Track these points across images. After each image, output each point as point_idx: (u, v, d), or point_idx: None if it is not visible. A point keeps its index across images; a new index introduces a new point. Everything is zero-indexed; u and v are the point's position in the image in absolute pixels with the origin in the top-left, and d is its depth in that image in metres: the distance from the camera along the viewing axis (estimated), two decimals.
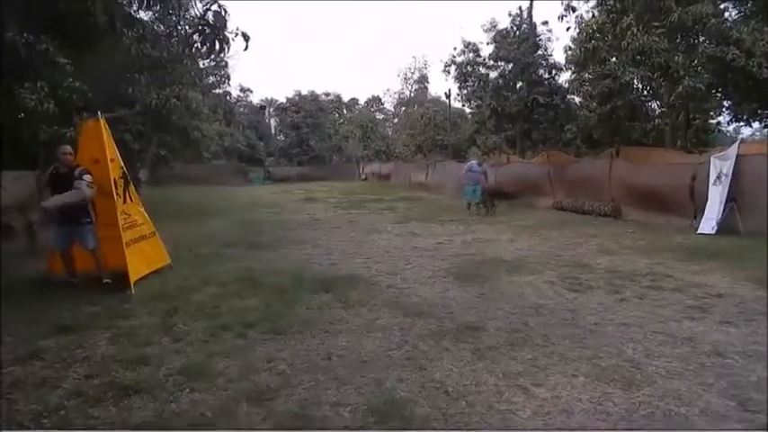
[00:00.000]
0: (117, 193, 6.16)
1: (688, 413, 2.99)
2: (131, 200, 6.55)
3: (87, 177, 5.82)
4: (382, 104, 58.28)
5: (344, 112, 58.42)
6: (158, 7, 11.67)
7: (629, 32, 14.59)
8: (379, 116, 57.22)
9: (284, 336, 4.33)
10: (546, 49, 25.98)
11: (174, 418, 2.98)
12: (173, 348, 4.07)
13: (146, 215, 6.77)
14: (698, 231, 9.92)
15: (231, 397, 3.22)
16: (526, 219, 12.94)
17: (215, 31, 4.63)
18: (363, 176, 38.50)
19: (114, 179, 6.18)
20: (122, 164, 6.53)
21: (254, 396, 3.22)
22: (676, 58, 14.40)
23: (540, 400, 3.17)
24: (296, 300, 5.41)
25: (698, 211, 10.52)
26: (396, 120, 52.23)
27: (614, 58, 17.94)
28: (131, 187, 6.66)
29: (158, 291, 5.78)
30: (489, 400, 3.17)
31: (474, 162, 15.08)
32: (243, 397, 3.21)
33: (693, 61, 14.94)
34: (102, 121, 6.26)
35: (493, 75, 26.18)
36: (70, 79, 8.09)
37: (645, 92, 20.89)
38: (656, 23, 14.35)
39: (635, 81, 19.56)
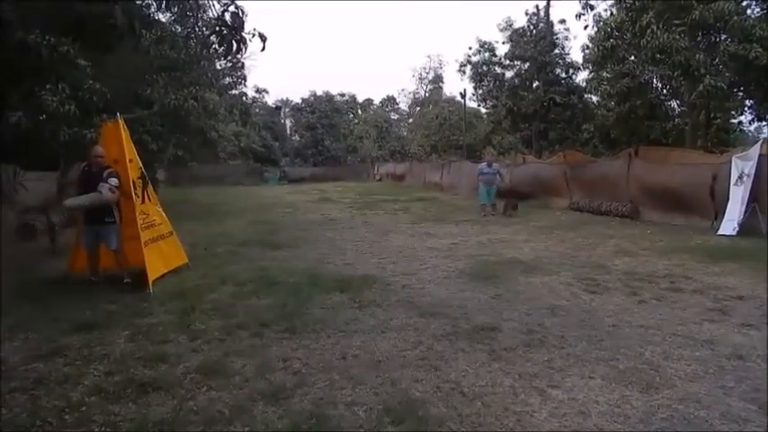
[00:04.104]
0: (135, 194, 6.26)
1: (708, 417, 2.94)
2: (150, 200, 6.64)
3: (113, 181, 5.93)
4: (397, 104, 58.33)
5: (359, 112, 58.59)
6: (176, 9, 11.85)
7: (648, 30, 14.37)
8: (394, 116, 57.27)
9: (299, 335, 4.35)
10: (563, 48, 25.80)
11: (192, 415, 3.02)
12: (190, 347, 4.12)
13: (163, 215, 6.86)
14: (718, 233, 9.74)
15: (247, 395, 3.25)
16: (542, 219, 12.83)
17: (232, 32, 4.66)
18: (378, 177, 38.52)
19: (133, 179, 6.28)
20: (141, 164, 6.63)
21: (269, 395, 3.24)
22: (697, 56, 14.14)
23: (557, 401, 3.15)
24: (311, 299, 5.44)
25: (719, 212, 10.34)
26: (410, 120, 52.14)
27: (633, 57, 17.66)
28: (150, 187, 6.75)
29: (176, 289, 5.85)
30: (505, 402, 3.15)
31: (484, 164, 14.86)
32: (259, 395, 3.23)
33: (715, 59, 14.66)
34: (121, 122, 6.36)
35: (509, 74, 26.06)
36: (90, 81, 8.22)
37: (664, 91, 20.58)
38: (677, 21, 14.12)
39: (654, 80, 19.27)
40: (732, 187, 10.05)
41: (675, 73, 15.43)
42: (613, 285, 6.00)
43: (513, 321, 4.70)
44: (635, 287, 5.88)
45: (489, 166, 14.46)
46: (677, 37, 14.00)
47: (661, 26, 14.20)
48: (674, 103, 21.94)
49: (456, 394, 3.25)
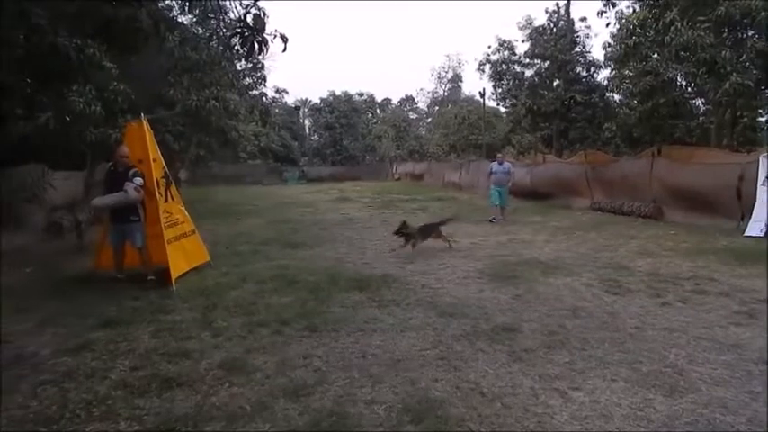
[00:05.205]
0: (159, 193, 6.38)
1: (734, 422, 2.88)
2: (173, 199, 6.75)
3: (138, 180, 6.05)
4: (415, 104, 58.33)
5: (378, 111, 58.67)
6: (198, 11, 12.03)
7: (672, 27, 14.08)
8: (413, 116, 57.23)
9: (319, 333, 4.39)
10: (584, 46, 25.47)
11: (214, 410, 3.07)
12: (212, 343, 4.19)
13: (186, 213, 6.97)
14: (745, 234, 9.52)
15: (269, 392, 3.29)
16: (562, 220, 12.68)
17: (254, 33, 4.72)
18: (396, 176, 38.50)
19: (156, 179, 6.39)
20: (164, 164, 6.75)
21: (290, 391, 3.28)
22: (723, 53, 13.80)
23: (578, 404, 3.12)
24: (331, 298, 5.48)
25: (745, 213, 10.10)
26: (429, 119, 52.03)
27: (656, 55, 17.33)
28: (173, 186, 6.87)
29: (198, 287, 5.95)
30: (525, 403, 3.13)
31: (495, 162, 13.52)
32: (280, 392, 3.28)
33: (741, 56, 14.30)
34: (145, 123, 6.49)
35: (529, 73, 25.80)
36: (115, 82, 8.41)
37: (689, 89, 20.15)
38: (702, 17, 13.81)
39: (678, 78, 18.89)
40: (759, 187, 9.80)
41: (700, 70, 15.09)
42: (636, 287, 5.92)
43: (533, 322, 4.66)
44: (658, 289, 5.79)
45: (500, 164, 13.23)
46: (702, 34, 13.69)
47: (685, 23, 13.91)
48: (698, 102, 21.51)
49: (476, 394, 3.25)
